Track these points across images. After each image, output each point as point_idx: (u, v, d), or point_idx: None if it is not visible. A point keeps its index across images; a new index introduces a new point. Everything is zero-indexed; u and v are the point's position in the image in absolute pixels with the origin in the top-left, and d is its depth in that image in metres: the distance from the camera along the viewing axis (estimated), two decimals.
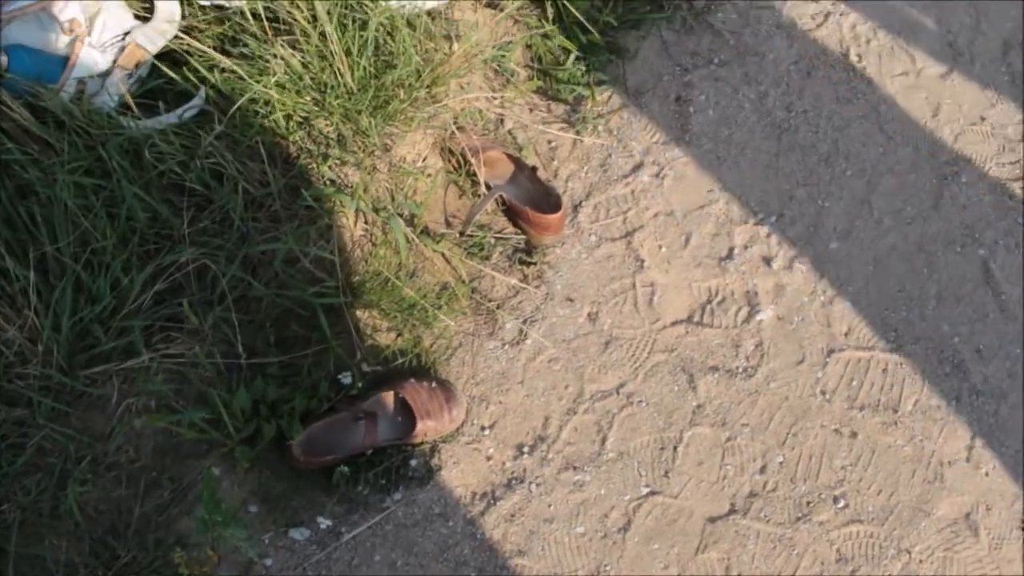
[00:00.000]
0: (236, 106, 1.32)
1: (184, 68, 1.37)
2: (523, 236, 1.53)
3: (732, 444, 1.41)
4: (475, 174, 1.49)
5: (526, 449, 1.40)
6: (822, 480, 1.39)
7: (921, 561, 1.33)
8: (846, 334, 1.48)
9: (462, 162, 1.51)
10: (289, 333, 1.36)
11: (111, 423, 1.24)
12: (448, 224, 1.52)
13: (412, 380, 1.38)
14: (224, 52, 1.39)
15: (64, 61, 1.32)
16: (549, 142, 1.61)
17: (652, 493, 1.38)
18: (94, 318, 1.25)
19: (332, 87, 1.38)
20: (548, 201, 1.50)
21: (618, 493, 1.38)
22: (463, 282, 1.48)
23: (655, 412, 1.42)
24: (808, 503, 1.37)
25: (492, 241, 1.52)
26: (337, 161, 1.42)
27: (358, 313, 1.40)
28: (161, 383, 1.26)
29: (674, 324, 1.48)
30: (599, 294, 1.50)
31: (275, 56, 1.36)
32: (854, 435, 1.41)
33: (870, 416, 1.42)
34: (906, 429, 1.42)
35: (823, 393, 1.44)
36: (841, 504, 1.37)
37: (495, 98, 1.57)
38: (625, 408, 1.43)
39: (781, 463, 1.39)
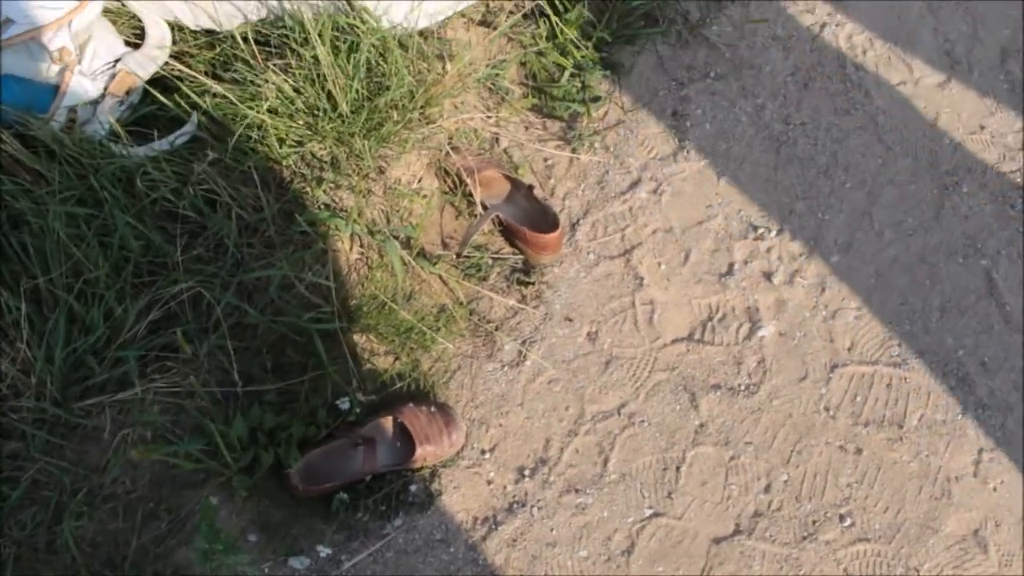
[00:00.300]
0: (235, 135, 1.33)
1: (175, 94, 1.37)
2: (521, 256, 1.53)
3: (736, 463, 1.40)
4: (471, 194, 1.49)
5: (527, 472, 1.39)
6: (828, 498, 1.38)
7: None
8: (849, 349, 1.48)
9: (458, 183, 1.52)
10: (285, 360, 1.36)
11: (106, 455, 1.24)
12: (445, 245, 1.53)
13: (411, 404, 1.38)
14: (216, 77, 1.40)
15: (54, 90, 1.32)
16: (545, 160, 1.62)
17: (656, 515, 1.38)
18: (88, 349, 1.24)
19: (325, 111, 1.38)
20: (545, 220, 1.50)
21: (621, 515, 1.37)
22: (461, 304, 1.48)
23: (657, 432, 1.42)
24: (814, 522, 1.37)
25: (489, 262, 1.52)
26: (331, 185, 1.42)
27: (355, 338, 1.40)
28: (156, 414, 1.26)
29: (675, 342, 1.48)
30: (598, 313, 1.50)
31: (267, 81, 1.37)
32: (859, 452, 1.41)
33: (875, 432, 1.42)
34: (912, 445, 1.41)
35: (827, 409, 1.43)
36: (847, 522, 1.37)
37: (490, 117, 1.57)
38: (627, 429, 1.42)
39: (786, 481, 1.39)
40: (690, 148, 1.63)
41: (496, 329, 1.47)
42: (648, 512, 1.38)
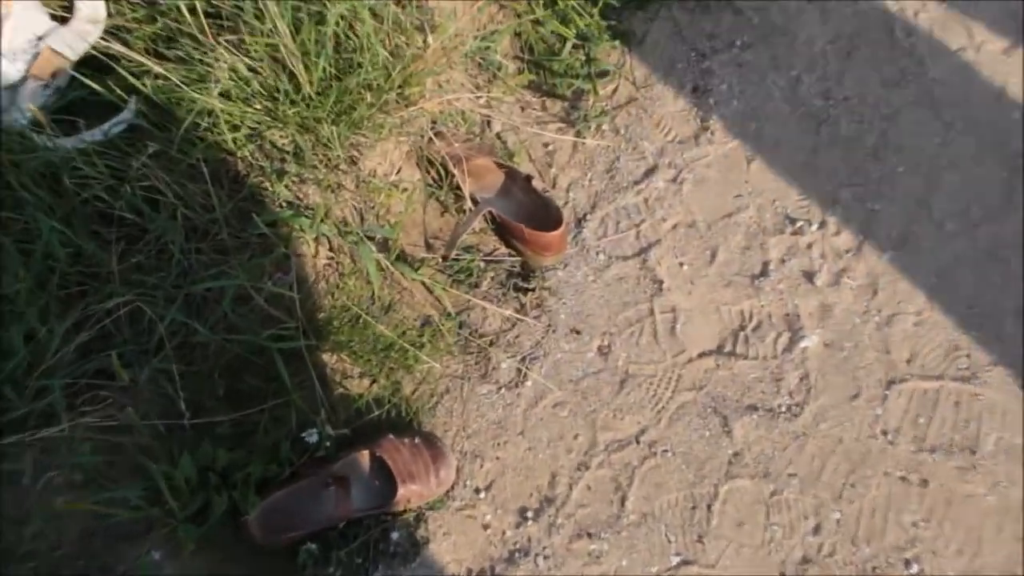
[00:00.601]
0: (181, 124, 1.29)
1: (110, 76, 1.32)
2: (518, 258, 1.51)
3: (778, 499, 1.34)
4: (459, 187, 1.46)
5: (530, 514, 1.34)
6: (889, 540, 1.31)
7: None
8: (908, 361, 1.41)
9: (443, 174, 1.49)
10: (242, 385, 1.31)
11: (27, 504, 1.17)
12: (429, 247, 1.49)
13: (391, 436, 1.33)
14: (158, 56, 1.34)
15: None
16: (545, 145, 1.60)
17: (684, 563, 1.31)
18: (5, 378, 1.19)
19: (286, 93, 1.33)
20: (546, 215, 1.47)
21: (643, 564, 1.31)
22: (449, 316, 1.45)
23: (683, 463, 1.37)
24: (874, 568, 1.30)
25: (482, 265, 1.49)
26: (294, 179, 1.37)
27: (324, 358, 1.36)
28: (88, 453, 1.19)
29: (701, 356, 1.44)
30: (611, 324, 1.47)
31: (218, 60, 1.30)
32: (925, 483, 1.34)
33: (943, 460, 1.35)
34: (987, 474, 1.34)
35: (884, 434, 1.37)
36: (914, 569, 1.29)
37: (480, 97, 1.55)
38: (647, 460, 1.37)
39: (838, 521, 1.32)
40: (714, 129, 1.59)
41: (491, 344, 1.45)
42: (675, 560, 1.31)
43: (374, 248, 1.38)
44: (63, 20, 1.35)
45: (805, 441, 1.36)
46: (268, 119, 1.34)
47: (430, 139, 1.47)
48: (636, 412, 1.40)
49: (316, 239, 1.36)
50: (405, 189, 1.45)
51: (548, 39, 1.60)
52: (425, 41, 1.40)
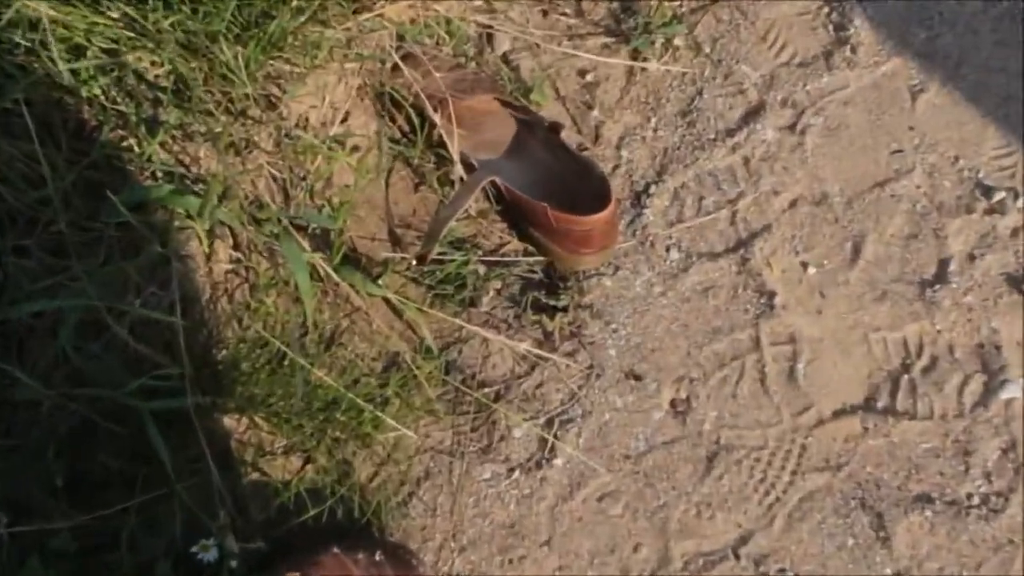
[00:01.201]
0: None
1: None
2: (540, 258, 1.50)
3: None
4: (442, 144, 1.47)
5: None
6: None
7: None
8: None
9: (416, 123, 1.48)
10: (92, 470, 1.26)
11: None
12: (396, 243, 1.48)
13: (335, 550, 1.28)
14: None
15: None
16: (582, 74, 1.61)
17: None
18: None
19: None
20: (585, 188, 1.44)
21: None
22: (429, 353, 1.43)
23: None
24: None
25: (481, 271, 1.47)
26: (175, 133, 1.34)
27: (226, 423, 1.32)
28: None
29: (839, 416, 1.41)
30: (691, 364, 1.45)
31: None
32: None
33: None
34: None
35: None
36: None
37: None
38: None
39: None
40: (858, 41, 1.61)
41: (497, 399, 1.43)
42: None
43: (307, 245, 1.35)
44: None
45: (1014, 553, 1.33)
46: (131, 34, 1.30)
47: (395, 67, 1.47)
48: (734, 507, 1.38)
49: (211, 231, 1.32)
50: (356, 149, 1.45)
51: None
52: None
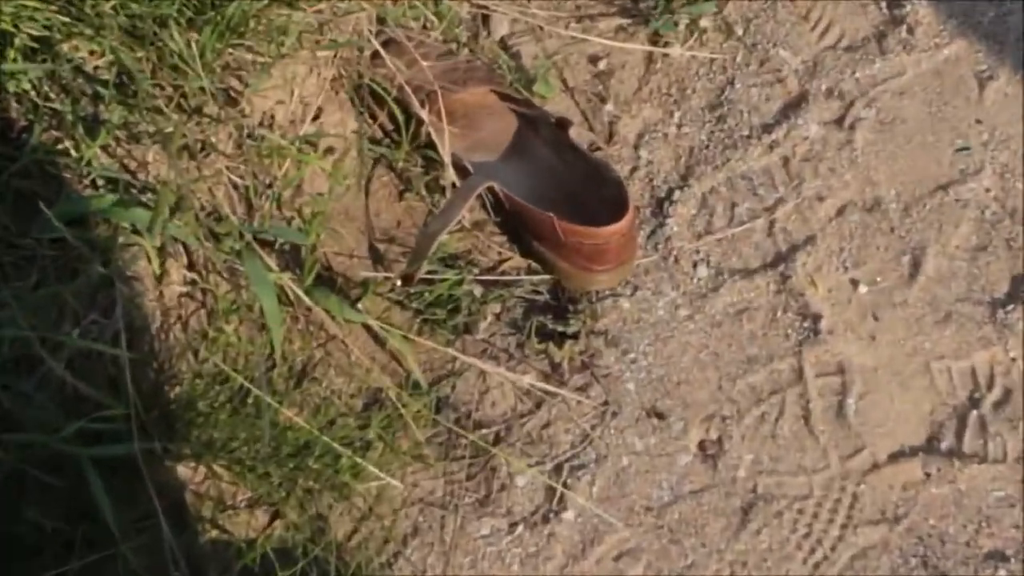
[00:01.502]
0: None
1: None
2: (546, 276, 1.49)
3: None
4: (430, 144, 1.47)
5: None
6: None
7: None
8: None
9: (401, 120, 1.48)
10: (23, 528, 1.26)
11: None
12: (377, 260, 1.49)
13: None
14: None
15: None
16: (594, 61, 1.62)
17: None
18: None
19: None
20: (598, 195, 1.45)
21: None
22: (417, 389, 1.42)
23: None
24: None
25: (476, 292, 1.48)
26: (119, 134, 1.34)
27: (180, 472, 1.32)
28: None
29: (896, 459, 1.40)
30: (722, 398, 1.44)
31: None
32: None
33: None
34: None
35: None
36: None
37: None
38: None
39: None
40: (917, 20, 1.61)
41: (497, 442, 1.43)
42: None
43: (273, 264, 1.35)
44: None
45: None
46: (66, 19, 1.30)
47: (375, 55, 1.47)
48: (774, 567, 1.35)
49: (162, 248, 1.32)
50: (330, 151, 1.45)
51: None
52: None
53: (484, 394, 1.47)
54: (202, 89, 1.37)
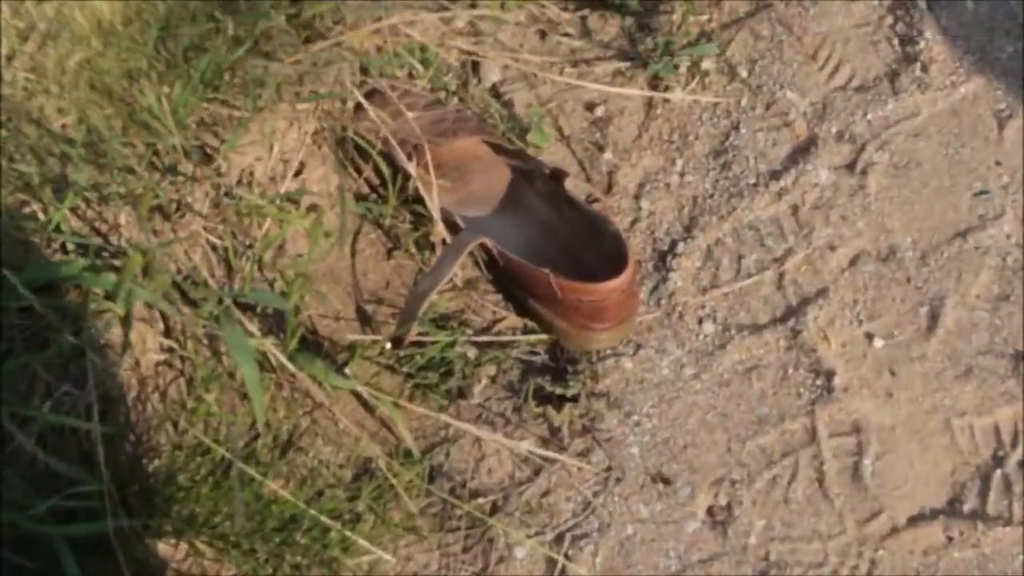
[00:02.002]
0: None
1: None
2: (544, 336, 1.49)
3: None
4: (418, 199, 1.47)
5: None
6: None
7: None
8: None
9: (386, 175, 1.49)
10: None
11: None
12: (365, 321, 1.49)
13: None
14: None
15: None
16: (591, 108, 1.62)
17: None
18: None
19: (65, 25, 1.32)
20: (596, 249, 1.46)
21: None
22: (409, 457, 1.42)
23: None
24: None
25: (470, 354, 1.48)
26: (90, 195, 1.34)
27: (160, 550, 1.31)
28: None
29: (917, 523, 1.39)
30: (731, 461, 1.44)
31: None
32: None
33: None
34: None
35: None
36: None
37: (454, 17, 1.59)
38: None
39: None
40: (931, 57, 1.62)
41: (494, 512, 1.42)
42: None
43: (255, 329, 1.35)
44: None
45: None
46: (29, 75, 1.33)
47: (358, 107, 1.49)
48: None
49: (127, 317, 1.28)
50: (313, 208, 1.45)
51: None
52: None
53: (480, 461, 1.47)
54: (175, 147, 1.37)
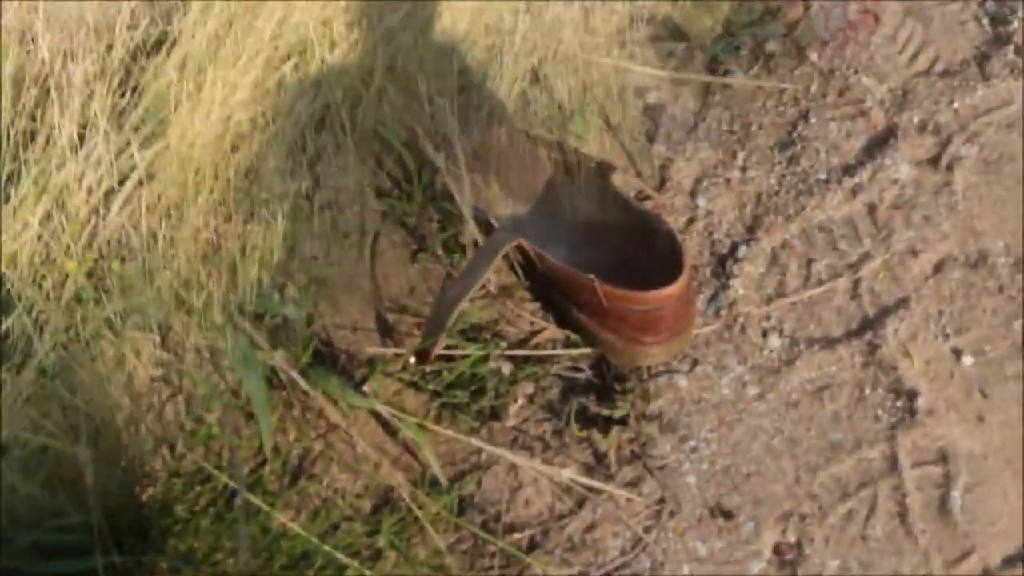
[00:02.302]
0: None
1: None
2: (588, 350, 1.49)
3: None
4: (448, 195, 1.48)
5: None
6: None
7: None
8: None
9: (411, 167, 1.51)
10: None
11: None
12: (387, 332, 1.49)
13: None
14: None
15: None
16: (640, 93, 1.64)
17: None
18: None
19: None
20: (647, 252, 1.46)
21: None
22: (435, 487, 1.41)
23: None
24: None
25: (505, 370, 1.47)
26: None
27: None
28: None
29: (1012, 564, 1.35)
30: (800, 493, 1.42)
31: None
32: None
33: None
34: None
35: None
36: None
37: None
38: None
39: None
40: None
41: (531, 548, 1.39)
42: None
43: (263, 340, 1.36)
44: None
45: None
46: None
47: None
48: None
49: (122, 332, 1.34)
50: (329, 205, 1.42)
51: None
52: None
53: (516, 491, 1.44)
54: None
